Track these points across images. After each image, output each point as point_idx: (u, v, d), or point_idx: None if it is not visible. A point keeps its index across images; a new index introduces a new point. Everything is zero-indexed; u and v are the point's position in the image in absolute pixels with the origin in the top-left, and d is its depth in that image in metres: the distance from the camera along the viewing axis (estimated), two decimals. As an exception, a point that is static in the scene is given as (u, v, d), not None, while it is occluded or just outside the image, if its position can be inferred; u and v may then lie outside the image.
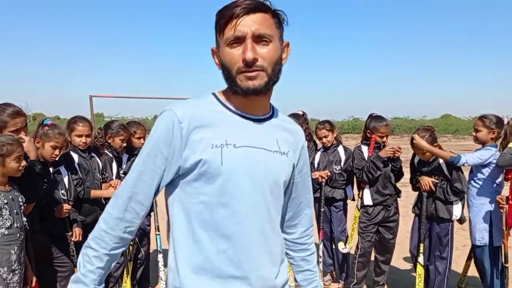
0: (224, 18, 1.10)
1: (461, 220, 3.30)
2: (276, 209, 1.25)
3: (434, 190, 3.24)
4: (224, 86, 1.21)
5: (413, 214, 3.50)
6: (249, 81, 1.11)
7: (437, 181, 3.26)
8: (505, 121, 3.19)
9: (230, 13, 1.09)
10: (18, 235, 2.25)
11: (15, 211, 2.25)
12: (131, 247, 3.47)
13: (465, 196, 3.28)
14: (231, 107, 1.20)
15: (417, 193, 3.49)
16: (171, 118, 1.13)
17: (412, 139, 3.26)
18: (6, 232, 2.19)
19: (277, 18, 1.15)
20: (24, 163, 2.32)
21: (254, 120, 1.21)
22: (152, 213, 3.83)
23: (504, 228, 3.05)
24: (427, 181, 3.25)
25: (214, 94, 1.24)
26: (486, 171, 3.16)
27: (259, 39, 1.10)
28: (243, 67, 1.10)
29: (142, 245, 3.64)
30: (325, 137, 3.86)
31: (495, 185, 3.17)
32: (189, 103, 1.19)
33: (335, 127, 3.97)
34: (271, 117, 1.26)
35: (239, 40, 1.09)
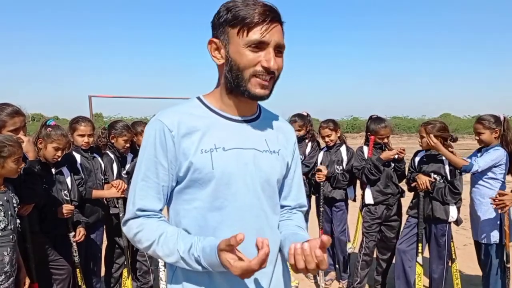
0: (249, 19, 1.09)
1: (457, 222, 3.30)
2: (272, 208, 1.25)
3: (430, 189, 3.24)
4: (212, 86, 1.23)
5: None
6: (261, 89, 1.13)
7: (434, 180, 3.25)
8: (501, 118, 3.22)
9: (259, 17, 1.09)
10: (11, 237, 2.22)
11: (9, 212, 2.23)
12: (131, 248, 3.48)
13: (461, 198, 3.28)
14: (217, 110, 1.21)
15: (412, 195, 3.48)
16: (161, 128, 1.13)
17: (422, 135, 3.28)
18: (0, 234, 2.17)
19: (283, 28, 1.18)
20: (22, 164, 2.30)
21: (242, 122, 1.22)
22: None
23: (507, 229, 3.06)
24: (424, 180, 3.24)
25: (199, 98, 1.24)
26: (495, 170, 3.17)
27: (277, 49, 1.13)
28: (263, 72, 1.12)
29: None
30: (328, 136, 3.87)
31: (502, 183, 3.20)
32: (175, 110, 1.18)
33: (339, 126, 3.95)
34: (258, 116, 1.27)
35: (260, 45, 1.10)
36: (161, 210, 1.19)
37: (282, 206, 1.35)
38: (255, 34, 1.09)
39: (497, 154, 3.13)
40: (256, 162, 1.19)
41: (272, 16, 1.10)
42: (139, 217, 1.16)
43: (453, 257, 3.39)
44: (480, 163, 3.13)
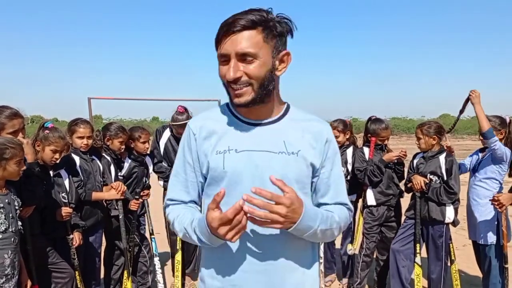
0: (217, 36, 1.20)
1: (454, 223, 3.29)
2: None
3: (425, 189, 3.23)
4: None
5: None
6: (236, 98, 1.21)
7: (429, 181, 3.24)
8: (507, 120, 3.22)
9: (220, 32, 1.18)
10: (12, 239, 2.22)
11: (10, 215, 2.23)
12: (131, 249, 3.47)
13: (459, 198, 3.28)
14: (238, 114, 1.30)
15: (410, 196, 3.48)
16: (188, 131, 1.32)
17: (419, 137, 3.31)
18: (0, 236, 2.16)
19: (269, 31, 1.18)
20: (24, 167, 2.31)
21: (258, 125, 1.28)
22: (145, 215, 3.84)
23: (505, 230, 3.06)
24: (419, 180, 3.24)
25: (227, 104, 1.35)
26: (492, 170, 3.18)
27: (243, 57, 1.16)
28: (227, 83, 1.21)
29: (144, 245, 3.64)
30: (336, 137, 3.84)
31: (500, 184, 3.20)
32: (202, 116, 1.34)
33: (349, 128, 3.90)
34: (280, 118, 1.30)
35: (226, 58, 1.18)
36: (190, 201, 1.34)
37: (320, 204, 1.34)
38: (219, 49, 1.20)
39: (507, 150, 3.13)
40: (268, 164, 1.22)
41: (232, 26, 1.15)
42: (169, 205, 1.35)
43: (452, 258, 3.39)
44: (500, 145, 3.08)
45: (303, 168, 1.26)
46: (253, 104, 1.20)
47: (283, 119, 1.30)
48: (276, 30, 1.19)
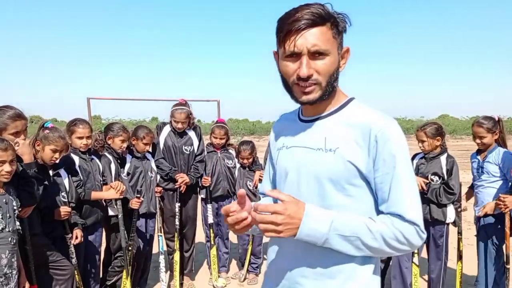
0: (283, 32, 1.14)
1: (455, 223, 3.31)
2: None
3: (425, 190, 3.24)
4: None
5: None
6: (303, 95, 1.18)
7: (429, 181, 3.25)
8: (496, 119, 3.23)
9: (289, 28, 1.12)
10: (9, 239, 2.23)
11: (8, 215, 2.23)
12: (129, 251, 3.48)
13: (459, 199, 3.29)
14: (299, 112, 1.35)
15: None
16: (272, 128, 1.48)
17: (423, 140, 3.29)
18: None
19: (336, 27, 1.16)
20: (8, 168, 2.22)
21: (307, 121, 1.29)
22: (156, 215, 3.84)
23: (508, 231, 3.06)
24: (419, 181, 3.25)
25: None
26: (500, 169, 3.18)
27: (314, 54, 1.13)
28: (297, 81, 1.16)
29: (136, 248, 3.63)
30: None
31: (507, 183, 3.20)
32: (283, 114, 1.46)
33: None
34: (332, 114, 1.24)
35: (295, 55, 1.14)
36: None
37: (381, 214, 1.19)
38: (287, 46, 1.14)
39: (509, 155, 3.13)
40: (306, 160, 1.24)
41: (306, 23, 1.10)
42: (261, 199, 1.49)
43: (450, 258, 3.39)
44: None
45: (339, 166, 1.16)
46: (319, 101, 1.18)
47: (335, 115, 1.23)
48: (340, 26, 1.17)
